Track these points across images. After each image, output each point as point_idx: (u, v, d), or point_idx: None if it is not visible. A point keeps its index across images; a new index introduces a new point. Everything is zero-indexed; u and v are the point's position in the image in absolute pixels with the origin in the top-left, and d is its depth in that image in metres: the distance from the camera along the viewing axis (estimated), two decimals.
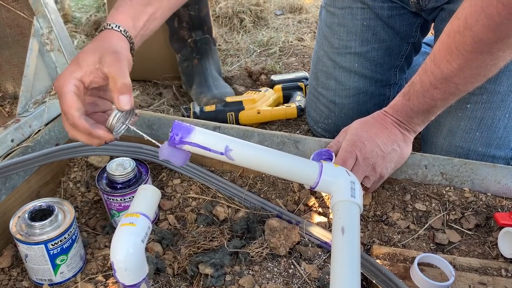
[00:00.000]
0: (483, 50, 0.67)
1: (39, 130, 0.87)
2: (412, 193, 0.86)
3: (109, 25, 0.70)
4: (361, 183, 0.80)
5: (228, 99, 1.28)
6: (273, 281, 0.74)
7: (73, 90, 0.64)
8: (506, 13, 0.60)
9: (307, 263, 0.77)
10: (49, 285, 0.73)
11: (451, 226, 0.82)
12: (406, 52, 1.11)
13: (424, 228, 0.81)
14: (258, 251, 0.78)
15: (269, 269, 0.76)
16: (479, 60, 0.68)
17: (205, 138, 0.65)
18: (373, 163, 0.79)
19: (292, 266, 0.76)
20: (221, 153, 0.65)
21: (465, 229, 0.81)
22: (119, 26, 0.70)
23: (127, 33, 0.71)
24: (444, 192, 0.85)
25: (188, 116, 1.23)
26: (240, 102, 1.26)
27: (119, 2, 0.73)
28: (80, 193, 0.91)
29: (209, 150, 0.65)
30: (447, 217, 0.82)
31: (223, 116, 1.24)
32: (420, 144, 1.08)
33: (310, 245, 0.79)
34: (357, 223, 0.58)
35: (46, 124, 0.89)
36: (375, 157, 0.79)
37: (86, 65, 0.64)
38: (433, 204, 0.84)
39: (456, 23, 0.68)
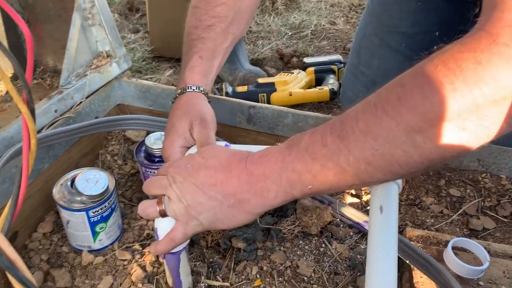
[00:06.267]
0: (399, 119, 0.44)
1: (81, 102, 0.89)
2: (447, 178, 0.85)
3: (191, 88, 0.75)
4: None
5: (260, 80, 1.28)
6: (304, 258, 0.75)
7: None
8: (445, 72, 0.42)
9: (338, 243, 0.77)
10: (88, 251, 0.75)
11: (485, 212, 0.81)
12: (453, 40, 1.09)
13: (458, 213, 0.80)
14: (290, 229, 0.80)
15: (300, 246, 0.77)
16: (386, 130, 0.45)
17: None
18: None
19: (323, 245, 0.77)
20: None
21: (500, 216, 0.80)
22: (199, 87, 0.76)
23: (205, 91, 0.76)
24: (480, 178, 0.84)
25: (221, 96, 1.24)
26: (272, 84, 1.26)
27: (192, 62, 0.77)
28: (117, 166, 0.94)
29: None
30: (482, 203, 0.82)
31: (255, 97, 1.25)
32: None
33: (341, 225, 0.80)
34: (396, 202, 0.59)
35: (87, 97, 0.91)
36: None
37: (183, 132, 0.71)
38: (468, 190, 0.83)
39: (391, 81, 0.47)
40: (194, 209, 0.56)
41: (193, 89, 0.75)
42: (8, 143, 0.75)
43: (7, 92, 1.00)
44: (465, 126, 0.41)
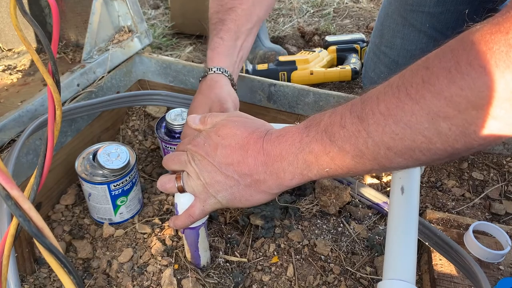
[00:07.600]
0: (422, 104, 0.41)
1: (102, 77, 0.89)
2: (469, 161, 0.84)
3: (212, 70, 0.76)
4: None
5: (281, 58, 1.27)
6: (322, 237, 0.75)
7: None
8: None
9: (356, 223, 0.77)
10: (109, 224, 0.77)
11: (509, 197, 0.79)
12: (481, 19, 1.05)
13: (480, 197, 0.79)
14: (308, 208, 0.80)
15: (318, 225, 0.77)
16: (409, 114, 0.42)
17: None
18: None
19: (341, 225, 0.77)
20: None
21: None
22: (219, 68, 0.76)
23: (227, 72, 0.76)
24: (505, 162, 0.82)
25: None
26: (293, 62, 1.25)
27: (213, 44, 0.78)
28: (137, 141, 0.95)
29: None
30: (505, 188, 0.80)
31: (275, 75, 1.23)
32: None
33: (360, 206, 0.80)
34: (417, 183, 0.58)
35: (109, 72, 0.91)
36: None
37: None
38: (491, 174, 0.82)
39: (416, 62, 0.45)
40: (212, 187, 0.56)
41: (214, 71, 0.75)
42: (32, 115, 0.76)
43: (30, 66, 1.01)
44: (496, 114, 0.38)
